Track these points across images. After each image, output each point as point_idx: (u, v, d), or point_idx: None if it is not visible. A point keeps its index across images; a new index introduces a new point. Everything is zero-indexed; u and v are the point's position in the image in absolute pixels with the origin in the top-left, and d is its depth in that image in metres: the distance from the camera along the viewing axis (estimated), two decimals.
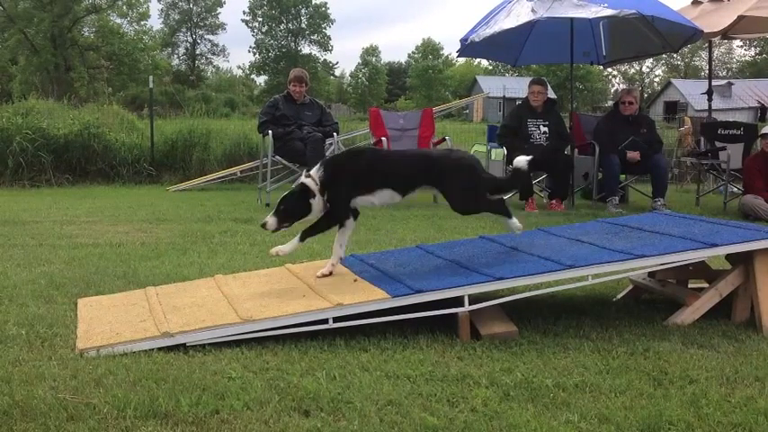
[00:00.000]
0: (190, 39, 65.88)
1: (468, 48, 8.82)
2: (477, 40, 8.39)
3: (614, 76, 71.39)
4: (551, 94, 9.83)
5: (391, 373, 2.74)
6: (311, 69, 55.65)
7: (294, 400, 2.47)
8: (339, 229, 3.68)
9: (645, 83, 72.51)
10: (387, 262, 3.82)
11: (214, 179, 10.68)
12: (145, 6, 52.13)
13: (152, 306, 3.41)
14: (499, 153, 8.93)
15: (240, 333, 3.06)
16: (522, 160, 3.66)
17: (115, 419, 2.31)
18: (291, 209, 3.57)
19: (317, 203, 3.57)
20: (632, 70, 72.45)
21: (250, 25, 65.97)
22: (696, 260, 3.53)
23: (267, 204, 8.03)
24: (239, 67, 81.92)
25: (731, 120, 11.30)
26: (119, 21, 50.08)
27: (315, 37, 66.31)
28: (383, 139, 8.40)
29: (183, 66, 65.95)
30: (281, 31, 65.83)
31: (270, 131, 8.07)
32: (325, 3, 65.44)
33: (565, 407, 2.46)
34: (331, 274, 3.66)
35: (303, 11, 65.27)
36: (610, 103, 45.71)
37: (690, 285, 3.91)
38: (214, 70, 68.38)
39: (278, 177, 8.67)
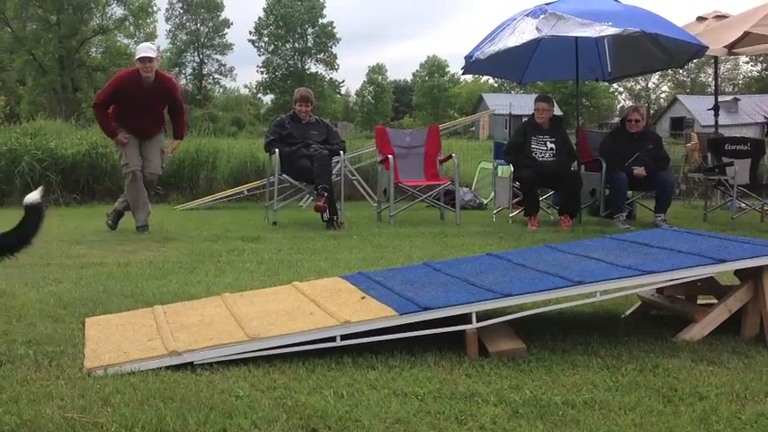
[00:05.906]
0: (197, 59, 66.30)
1: (472, 65, 8.85)
2: (481, 57, 8.42)
3: (620, 93, 71.62)
4: (557, 111, 9.85)
5: (399, 391, 2.72)
6: (317, 88, 55.97)
7: (302, 419, 2.45)
8: None
9: (651, 99, 72.65)
10: (394, 279, 3.81)
11: (221, 198, 10.72)
12: (152, 27, 52.65)
13: (159, 325, 3.40)
14: (506, 170, 8.93)
15: (248, 351, 3.05)
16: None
17: None
18: None
19: None
20: (638, 86, 72.66)
21: (256, 45, 66.47)
22: (705, 276, 3.52)
23: (274, 223, 8.04)
24: (246, 86, 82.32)
25: (738, 135, 11.29)
26: (126, 41, 50.53)
27: (321, 56, 66.72)
28: (389, 156, 8.41)
29: (190, 86, 66.32)
30: (287, 49, 66.23)
31: (277, 150, 8.10)
32: (332, 22, 65.95)
33: (574, 424, 2.45)
34: None
35: (310, 30, 65.70)
36: (616, 119, 45.77)
37: (699, 301, 3.89)
38: (221, 90, 68.81)
39: (285, 196, 8.68)
